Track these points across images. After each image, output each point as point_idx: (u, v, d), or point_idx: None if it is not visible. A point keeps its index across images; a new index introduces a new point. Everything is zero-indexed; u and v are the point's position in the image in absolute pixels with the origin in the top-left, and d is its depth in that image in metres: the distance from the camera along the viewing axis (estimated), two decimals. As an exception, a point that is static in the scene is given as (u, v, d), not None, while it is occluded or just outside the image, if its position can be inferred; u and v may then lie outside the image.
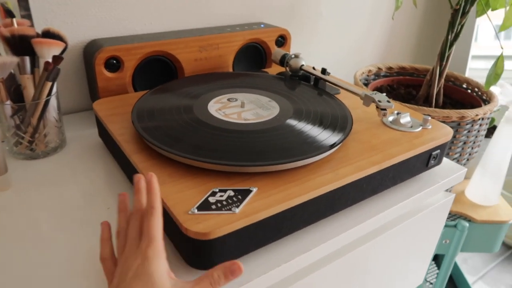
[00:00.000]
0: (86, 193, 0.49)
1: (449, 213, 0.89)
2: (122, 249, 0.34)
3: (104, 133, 0.55)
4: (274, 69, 0.78)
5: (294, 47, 0.94)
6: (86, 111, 0.71)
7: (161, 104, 0.54)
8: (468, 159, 0.81)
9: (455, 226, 0.83)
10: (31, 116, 0.53)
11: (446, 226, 0.84)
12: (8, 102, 0.52)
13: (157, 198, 0.34)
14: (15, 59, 0.49)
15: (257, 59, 0.80)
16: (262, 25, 0.80)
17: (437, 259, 1.04)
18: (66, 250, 0.41)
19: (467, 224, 0.82)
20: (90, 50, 0.64)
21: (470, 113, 0.71)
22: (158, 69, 0.68)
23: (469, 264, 1.56)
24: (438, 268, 1.01)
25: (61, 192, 0.49)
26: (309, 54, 0.98)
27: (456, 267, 1.16)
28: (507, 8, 0.75)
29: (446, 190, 0.61)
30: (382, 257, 0.55)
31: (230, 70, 0.75)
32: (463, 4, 0.74)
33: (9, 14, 0.55)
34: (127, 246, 0.33)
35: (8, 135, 0.54)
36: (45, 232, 0.43)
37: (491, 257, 1.59)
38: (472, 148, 0.79)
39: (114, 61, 0.62)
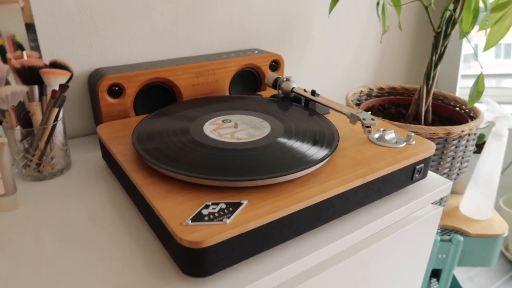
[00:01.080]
0: (90, 211, 0.52)
1: (444, 228, 0.91)
2: None
3: (107, 155, 0.59)
4: (269, 92, 0.82)
5: (287, 70, 0.99)
6: (91, 136, 0.75)
7: (160, 127, 0.58)
8: (458, 174, 0.83)
9: (450, 240, 0.85)
10: (39, 140, 0.57)
11: (441, 240, 0.86)
12: (18, 127, 0.56)
13: None
14: (25, 88, 0.53)
15: (252, 83, 0.84)
16: (256, 51, 0.84)
17: (438, 275, 1.05)
18: (71, 265, 0.44)
19: (462, 238, 0.84)
20: (94, 78, 0.68)
21: (456, 129, 0.74)
22: (158, 94, 0.72)
23: (474, 282, 1.55)
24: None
25: (67, 210, 0.52)
26: (302, 76, 1.02)
27: (456, 283, 1.17)
28: (488, 30, 0.79)
29: (437, 204, 0.64)
30: (374, 267, 0.57)
31: (227, 93, 0.80)
32: (444, 27, 0.78)
33: (19, 47, 0.60)
34: None
35: (17, 158, 0.58)
36: (51, 249, 0.46)
37: (496, 275, 1.58)
38: (461, 163, 0.82)
39: (116, 88, 0.67)
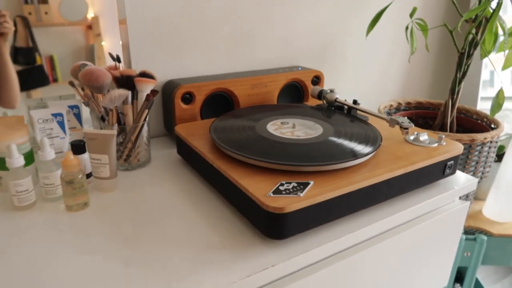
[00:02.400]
0: (173, 193, 0.64)
1: (469, 228, 0.99)
2: None
3: (184, 150, 0.71)
4: (311, 103, 0.93)
5: (325, 86, 1.11)
6: (160, 137, 0.87)
7: (231, 125, 0.69)
8: (481, 177, 0.92)
9: (474, 239, 0.93)
10: (131, 135, 0.69)
11: (466, 239, 0.94)
12: (116, 125, 0.68)
13: None
14: (127, 92, 0.66)
15: (296, 95, 0.96)
16: (299, 68, 0.97)
17: (461, 280, 1.12)
18: (168, 234, 0.55)
19: (485, 238, 0.92)
20: (169, 88, 0.81)
21: (479, 136, 0.84)
22: (219, 102, 0.84)
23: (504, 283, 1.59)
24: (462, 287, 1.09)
25: (154, 193, 0.64)
26: (337, 91, 1.14)
27: (478, 284, 1.23)
28: (506, 52, 0.90)
29: (462, 199, 0.73)
30: (408, 253, 0.66)
31: (276, 103, 0.91)
32: (467, 48, 0.89)
33: (117, 59, 0.73)
34: None
35: (113, 151, 0.70)
36: (142, 224, 0.57)
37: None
38: (484, 168, 0.91)
39: (188, 96, 0.79)
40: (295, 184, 0.54)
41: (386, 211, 0.60)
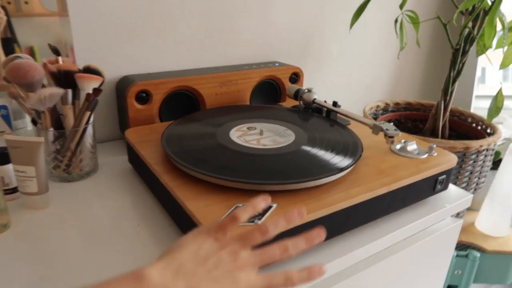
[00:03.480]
0: (117, 211, 0.54)
1: (460, 244, 0.91)
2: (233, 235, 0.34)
3: (134, 158, 0.61)
4: (288, 103, 0.83)
5: (306, 84, 1.01)
6: (115, 141, 0.77)
7: (187, 131, 0.59)
8: (475, 189, 0.84)
9: (466, 256, 0.85)
10: (70, 141, 0.58)
11: (457, 256, 0.85)
12: (51, 129, 0.58)
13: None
14: (61, 91, 0.55)
15: (272, 94, 0.86)
16: (277, 64, 0.86)
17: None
18: (97, 262, 0.45)
19: (478, 254, 0.84)
20: (123, 84, 0.70)
21: (474, 144, 0.75)
22: (182, 102, 0.74)
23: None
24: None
25: (94, 211, 0.54)
26: (319, 89, 1.04)
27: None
28: (505, 48, 0.81)
29: (456, 216, 0.64)
30: (394, 278, 0.57)
31: (248, 103, 0.81)
32: (462, 44, 0.80)
33: (55, 52, 0.62)
34: (241, 238, 0.33)
35: (48, 159, 0.59)
36: (77, 248, 0.47)
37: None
38: (479, 178, 0.82)
39: (144, 95, 0.69)
40: (254, 208, 0.44)
41: (365, 236, 0.51)
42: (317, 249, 0.47)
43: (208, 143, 0.55)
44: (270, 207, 0.44)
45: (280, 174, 0.48)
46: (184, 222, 0.46)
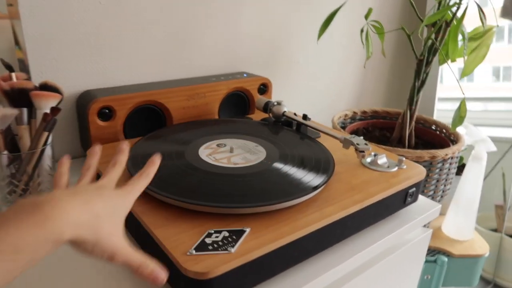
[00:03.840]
0: (81, 239, 0.50)
1: (428, 249, 0.93)
2: (88, 180, 0.43)
3: (97, 180, 0.57)
4: (257, 115, 0.82)
5: (274, 94, 1.00)
6: (77, 159, 0.73)
7: (154, 150, 0.57)
8: (442, 196, 0.86)
9: (435, 261, 0.87)
10: (26, 165, 0.54)
11: (426, 261, 0.87)
12: (5, 152, 0.53)
13: (154, 168, 0.41)
14: (15, 111, 0.51)
15: (241, 106, 0.84)
16: (244, 75, 0.85)
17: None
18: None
19: (446, 259, 0.86)
20: (83, 100, 0.67)
21: (440, 153, 0.77)
22: (147, 117, 0.71)
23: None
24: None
25: (56, 239, 0.50)
26: (287, 100, 1.04)
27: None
28: (466, 58, 0.83)
29: (424, 226, 0.65)
30: (368, 292, 0.57)
31: (216, 117, 0.79)
32: (426, 55, 0.82)
33: (8, 68, 0.58)
34: (102, 178, 0.40)
35: (3, 184, 0.55)
36: (34, 280, 0.44)
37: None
38: (445, 186, 0.85)
39: (107, 111, 0.65)
40: (226, 234, 0.42)
41: (339, 254, 0.50)
42: (292, 271, 0.46)
43: (176, 164, 0.53)
44: (243, 231, 0.43)
45: (252, 196, 0.46)
46: (154, 253, 0.44)
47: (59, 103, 0.57)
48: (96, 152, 0.44)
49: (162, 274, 0.35)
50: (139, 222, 0.45)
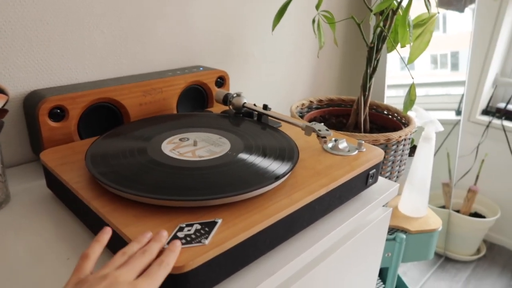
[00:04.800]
0: (40, 246, 0.48)
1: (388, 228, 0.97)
2: (116, 264, 0.34)
3: (55, 183, 0.54)
4: (217, 108, 0.82)
5: (232, 87, 1.00)
6: (28, 164, 0.69)
7: (114, 148, 0.55)
8: (397, 177, 0.90)
9: (394, 239, 0.91)
10: (-27, 172, 0.51)
11: (386, 240, 0.91)
12: None
13: (173, 257, 0.36)
14: (-44, 115, 0.47)
15: (199, 100, 0.83)
16: (201, 68, 0.84)
17: (382, 274, 1.11)
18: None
19: (404, 236, 0.90)
20: (31, 101, 0.63)
21: (394, 135, 0.81)
22: (103, 116, 0.68)
23: (408, 276, 1.67)
24: (384, 283, 1.08)
25: (11, 247, 0.47)
26: (245, 92, 1.04)
27: (399, 280, 1.25)
28: (411, 44, 0.87)
29: (384, 205, 0.68)
30: (337, 274, 0.59)
31: (175, 112, 0.78)
32: (376, 42, 0.85)
33: None
34: (123, 266, 0.34)
35: None
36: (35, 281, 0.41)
37: (426, 268, 1.72)
38: (400, 166, 0.89)
39: (58, 111, 0.62)
40: (198, 226, 0.42)
41: (308, 238, 0.51)
42: (263, 259, 0.46)
43: (139, 160, 0.52)
44: (215, 223, 0.42)
45: (220, 187, 0.46)
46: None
47: (4, 104, 0.54)
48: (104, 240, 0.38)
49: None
50: (105, 223, 0.43)
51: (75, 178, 0.50)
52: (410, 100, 0.80)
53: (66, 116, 0.63)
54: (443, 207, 1.73)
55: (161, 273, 0.34)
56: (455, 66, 1.64)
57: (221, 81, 0.86)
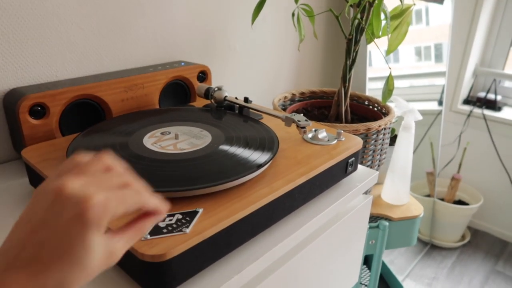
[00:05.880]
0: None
1: (371, 216, 0.99)
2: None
3: (37, 180, 0.55)
4: (199, 102, 0.82)
5: (214, 81, 1.00)
6: (10, 162, 0.68)
7: (96, 144, 0.55)
8: (379, 165, 0.92)
9: (377, 226, 0.93)
10: (-47, 171, 0.50)
11: (370, 227, 0.93)
12: None
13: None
14: None
15: (181, 95, 0.84)
16: (182, 63, 0.85)
17: (367, 262, 1.13)
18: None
19: (387, 223, 0.92)
20: (11, 99, 0.63)
21: (374, 125, 0.83)
22: (85, 112, 0.69)
23: (395, 264, 1.70)
24: (370, 270, 1.10)
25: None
26: (227, 86, 1.05)
27: (386, 268, 1.27)
28: (389, 35, 0.89)
29: (365, 193, 0.70)
30: (319, 261, 0.61)
31: (157, 107, 0.78)
32: (354, 34, 0.86)
33: None
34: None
35: None
36: None
37: (412, 255, 1.75)
38: (381, 155, 0.91)
39: (39, 108, 0.62)
40: (180, 216, 0.43)
41: (289, 226, 0.52)
42: (245, 246, 0.48)
43: (121, 154, 0.52)
44: (196, 212, 0.43)
45: (201, 178, 0.47)
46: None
47: (-16, 102, 0.54)
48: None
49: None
50: (87, 215, 0.44)
51: (57, 173, 0.50)
52: (388, 90, 0.82)
53: (47, 113, 0.63)
54: (428, 195, 1.77)
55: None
56: (439, 58, 1.67)
57: (203, 75, 0.86)
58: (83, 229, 0.25)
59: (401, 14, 0.92)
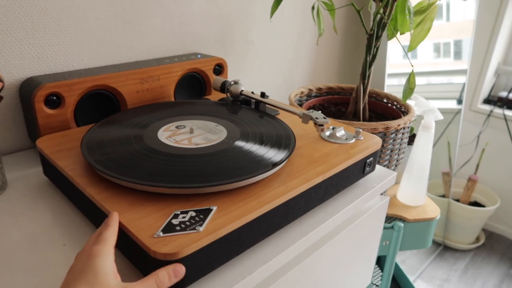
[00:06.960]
0: (36, 232, 0.48)
1: (385, 216, 0.97)
2: None
3: (51, 170, 0.54)
4: (214, 96, 0.81)
5: (230, 74, 0.99)
6: (25, 151, 0.69)
7: (110, 136, 0.54)
8: (396, 165, 0.90)
9: (392, 227, 0.91)
10: (-31, 159, 0.50)
11: (384, 228, 0.91)
12: None
13: (113, 220, 0.38)
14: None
15: (197, 87, 0.83)
16: (199, 55, 0.83)
17: (380, 262, 1.12)
18: (24, 292, 0.39)
19: (402, 224, 0.90)
20: (27, 88, 0.62)
21: (393, 124, 0.80)
22: (100, 103, 0.68)
23: (407, 264, 1.68)
24: (382, 271, 1.08)
25: (8, 233, 0.47)
26: (243, 79, 1.03)
27: (398, 268, 1.25)
28: (412, 31, 0.86)
29: (381, 194, 0.68)
30: (333, 262, 0.59)
31: (172, 99, 0.78)
32: (375, 29, 0.84)
33: None
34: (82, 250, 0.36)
35: None
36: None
37: (425, 256, 1.73)
38: (399, 155, 0.89)
39: (54, 98, 0.62)
40: (193, 214, 0.42)
41: (304, 226, 0.51)
42: (258, 246, 0.47)
43: (135, 148, 0.51)
44: (210, 210, 0.42)
45: (216, 174, 0.46)
46: (119, 239, 0.43)
47: (0, 90, 0.53)
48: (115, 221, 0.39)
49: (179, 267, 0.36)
50: (101, 209, 0.43)
51: (71, 165, 0.50)
52: (409, 88, 0.79)
53: (62, 103, 0.63)
54: (443, 196, 1.74)
55: (108, 230, 0.37)
56: (458, 55, 1.63)
57: (219, 68, 0.85)
58: None
59: (425, 10, 0.89)
